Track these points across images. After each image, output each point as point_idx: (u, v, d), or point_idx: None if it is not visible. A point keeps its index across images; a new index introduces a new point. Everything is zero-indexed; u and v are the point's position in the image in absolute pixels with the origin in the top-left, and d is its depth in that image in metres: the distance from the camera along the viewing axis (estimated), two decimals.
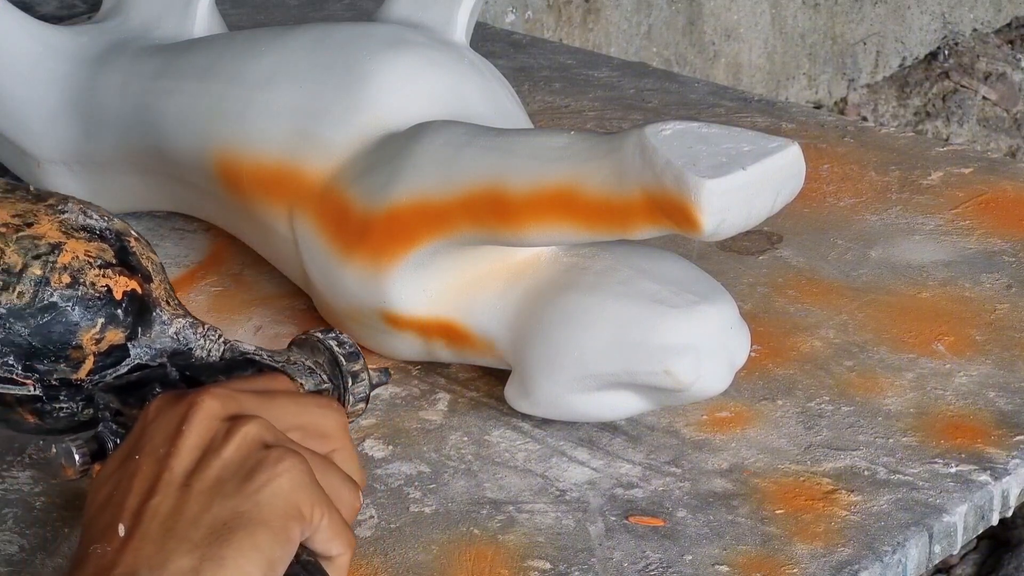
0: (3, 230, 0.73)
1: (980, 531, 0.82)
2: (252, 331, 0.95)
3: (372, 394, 0.78)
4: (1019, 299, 0.98)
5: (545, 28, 2.00)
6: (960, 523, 0.80)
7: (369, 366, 0.77)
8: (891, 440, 0.85)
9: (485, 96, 0.93)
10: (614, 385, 0.82)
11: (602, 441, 0.85)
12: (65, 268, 0.73)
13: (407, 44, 0.93)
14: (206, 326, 0.76)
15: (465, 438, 0.86)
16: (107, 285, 0.74)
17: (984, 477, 0.82)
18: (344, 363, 0.76)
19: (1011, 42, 2.64)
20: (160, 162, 1.00)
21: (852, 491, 0.81)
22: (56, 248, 0.73)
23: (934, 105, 2.47)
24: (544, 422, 0.86)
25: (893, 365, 0.92)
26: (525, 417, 0.86)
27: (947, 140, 2.31)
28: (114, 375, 0.74)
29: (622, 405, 0.83)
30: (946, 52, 2.55)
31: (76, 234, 0.74)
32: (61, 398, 0.74)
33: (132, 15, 1.06)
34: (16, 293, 0.72)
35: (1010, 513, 0.84)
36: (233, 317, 0.96)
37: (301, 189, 0.90)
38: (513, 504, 0.81)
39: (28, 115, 1.04)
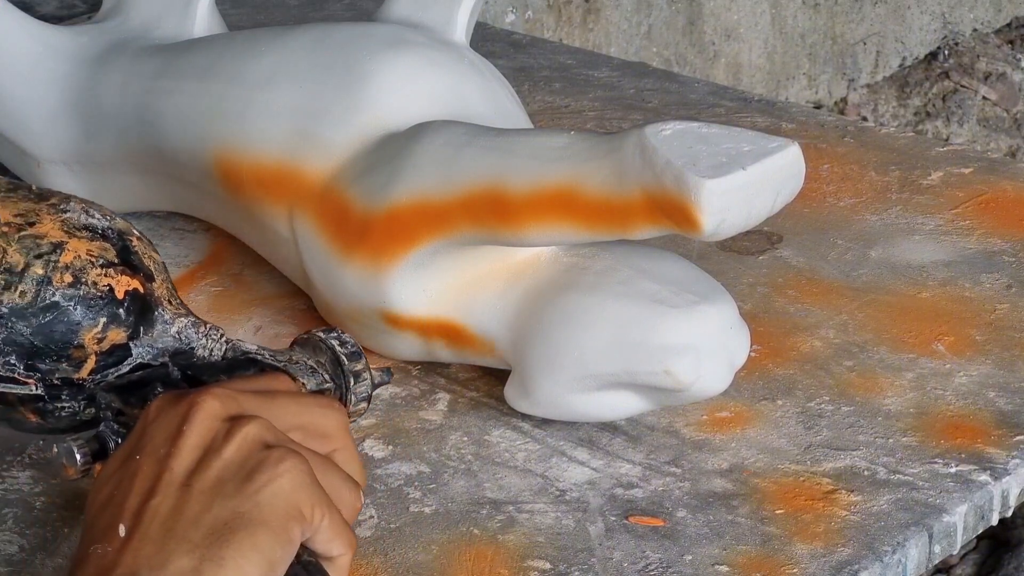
0: (5, 229, 0.73)
1: (980, 531, 0.82)
2: (252, 331, 0.95)
3: (373, 394, 0.78)
4: (1019, 299, 0.98)
5: (545, 28, 2.00)
6: (960, 523, 0.80)
7: (371, 366, 0.77)
8: (891, 440, 0.85)
9: (485, 96, 0.93)
10: (614, 385, 0.82)
11: (602, 441, 0.85)
12: (67, 267, 0.73)
13: (407, 44, 0.93)
14: (208, 325, 0.76)
15: (465, 438, 0.86)
16: (109, 284, 0.74)
17: (984, 477, 0.82)
18: (346, 363, 0.76)
19: (1011, 42, 2.63)
20: (160, 162, 1.00)
21: (852, 491, 0.81)
22: (58, 247, 0.73)
23: (934, 105, 2.46)
24: (544, 422, 0.86)
25: (893, 365, 0.92)
26: (525, 417, 0.86)
27: (947, 140, 2.31)
28: (116, 374, 0.74)
29: (622, 405, 0.83)
30: (946, 52, 2.55)
31: (78, 233, 0.74)
32: (63, 397, 0.73)
33: (132, 15, 1.06)
34: (18, 292, 0.72)
35: (1010, 513, 0.84)
36: (233, 317, 0.96)
37: (301, 189, 0.90)
38: (513, 504, 0.81)
39: (28, 115, 1.04)
